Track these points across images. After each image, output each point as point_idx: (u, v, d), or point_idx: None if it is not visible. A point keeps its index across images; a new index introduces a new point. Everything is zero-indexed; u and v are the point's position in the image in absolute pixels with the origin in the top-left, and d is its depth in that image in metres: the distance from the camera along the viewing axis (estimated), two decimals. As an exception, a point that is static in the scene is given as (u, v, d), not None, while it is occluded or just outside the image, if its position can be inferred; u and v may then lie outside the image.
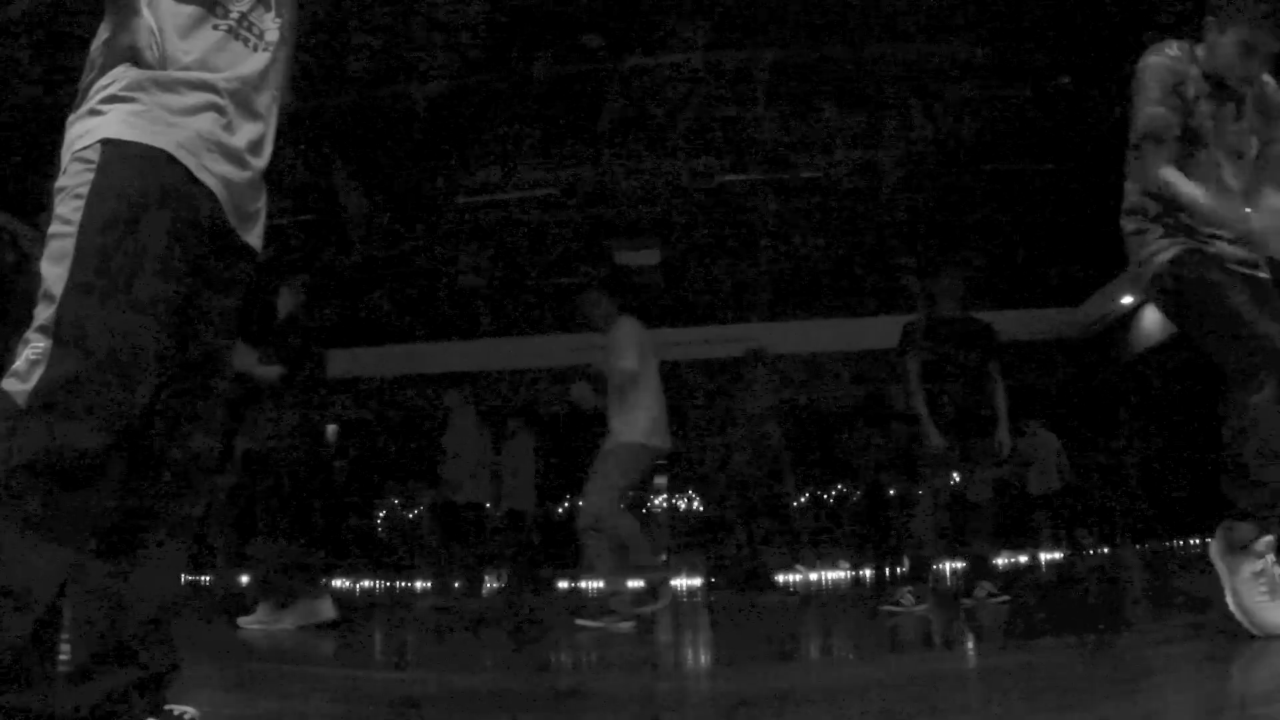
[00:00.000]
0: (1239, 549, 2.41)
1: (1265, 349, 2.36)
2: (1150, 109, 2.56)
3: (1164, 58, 2.59)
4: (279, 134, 1.67)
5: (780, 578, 8.93)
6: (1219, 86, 2.58)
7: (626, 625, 4.56)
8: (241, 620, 4.55)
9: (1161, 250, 2.58)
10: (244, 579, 10.87)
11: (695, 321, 11.68)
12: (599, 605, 4.76)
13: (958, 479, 5.19)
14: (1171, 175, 2.52)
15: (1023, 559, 12.34)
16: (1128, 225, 2.72)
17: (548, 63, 6.97)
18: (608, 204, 9.22)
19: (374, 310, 11.34)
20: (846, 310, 11.85)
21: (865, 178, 8.78)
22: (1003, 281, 10.57)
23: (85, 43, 1.51)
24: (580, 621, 4.62)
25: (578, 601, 5.43)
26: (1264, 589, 2.37)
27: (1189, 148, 2.58)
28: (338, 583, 11.98)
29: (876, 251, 10.41)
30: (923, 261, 8.90)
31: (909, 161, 8.53)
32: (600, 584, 5.12)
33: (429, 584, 9.05)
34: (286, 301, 5.09)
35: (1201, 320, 2.53)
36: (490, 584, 9.98)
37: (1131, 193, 2.72)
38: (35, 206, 7.35)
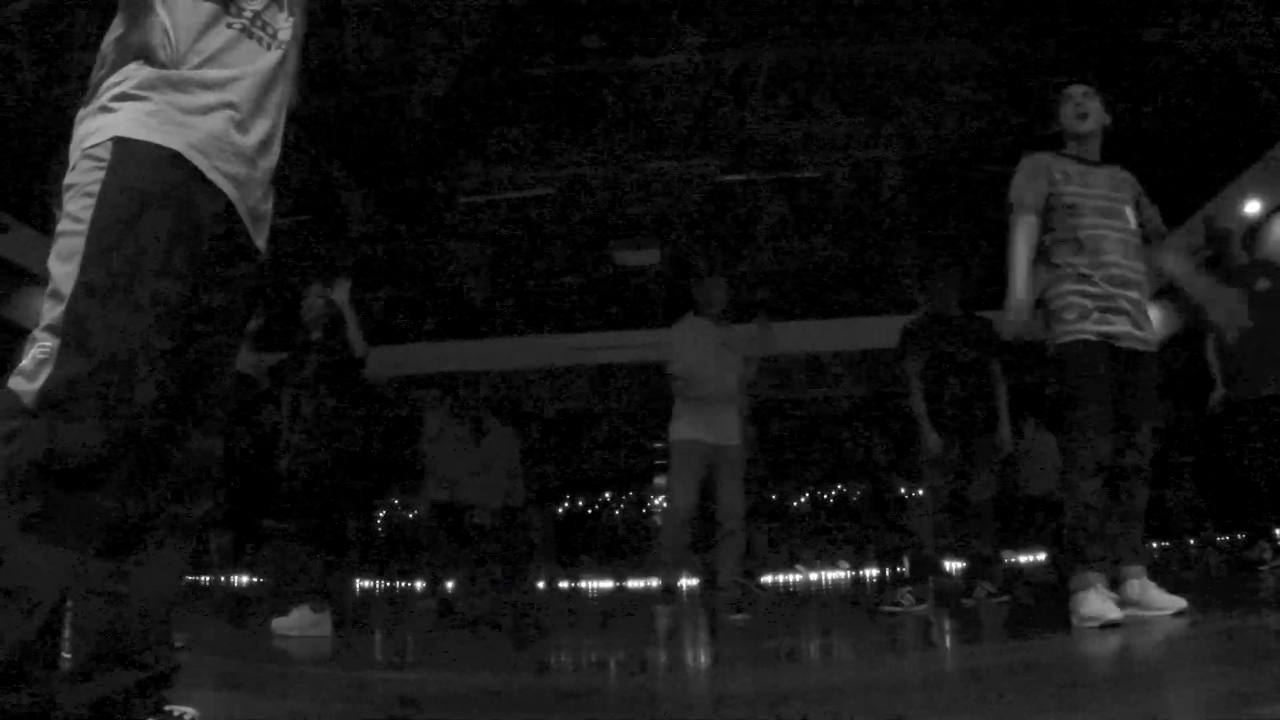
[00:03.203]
0: (1086, 589, 3.07)
1: (1100, 464, 3.11)
2: (1017, 189, 3.37)
3: (1031, 158, 3.42)
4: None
5: (766, 578, 8.89)
6: (1080, 164, 3.38)
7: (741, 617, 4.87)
8: (276, 624, 4.33)
9: (1069, 333, 3.27)
10: (244, 579, 10.88)
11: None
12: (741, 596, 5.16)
13: (957, 479, 5.18)
14: (1017, 241, 3.36)
15: (1022, 559, 12.33)
16: (1044, 272, 3.44)
17: (548, 63, 6.95)
18: (608, 204, 9.20)
19: (370, 310, 11.30)
20: (846, 310, 11.82)
21: (865, 178, 8.76)
22: (1003, 281, 10.53)
23: (88, 42, 1.51)
24: (735, 618, 4.88)
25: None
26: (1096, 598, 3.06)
27: (1070, 215, 3.31)
28: (336, 582, 11.94)
29: (876, 251, 10.38)
30: (923, 261, 8.88)
31: (909, 161, 8.51)
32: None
33: (427, 584, 9.02)
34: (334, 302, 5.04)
35: (1073, 405, 3.20)
36: (489, 584, 9.96)
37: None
38: (34, 206, 7.35)
